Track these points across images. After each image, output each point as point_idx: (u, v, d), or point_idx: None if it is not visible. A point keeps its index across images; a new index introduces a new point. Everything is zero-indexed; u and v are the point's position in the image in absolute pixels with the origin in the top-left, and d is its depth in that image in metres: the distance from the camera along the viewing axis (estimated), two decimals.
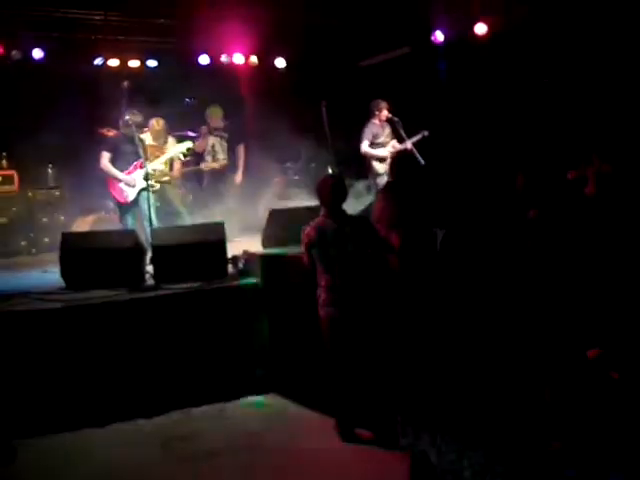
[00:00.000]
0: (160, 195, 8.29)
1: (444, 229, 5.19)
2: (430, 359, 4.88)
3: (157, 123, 8.63)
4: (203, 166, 9.46)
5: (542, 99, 8.99)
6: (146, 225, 7.51)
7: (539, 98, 9.04)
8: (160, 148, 8.56)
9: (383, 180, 9.08)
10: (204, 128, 9.48)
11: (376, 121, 9.45)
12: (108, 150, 7.90)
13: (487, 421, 4.40)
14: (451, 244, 4.90)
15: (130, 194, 7.85)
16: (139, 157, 7.81)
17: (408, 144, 9.12)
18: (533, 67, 9.18)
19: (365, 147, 9.33)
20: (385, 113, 9.40)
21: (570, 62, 8.69)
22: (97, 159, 7.93)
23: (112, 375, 5.78)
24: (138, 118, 7.90)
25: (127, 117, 7.85)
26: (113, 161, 7.88)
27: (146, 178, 7.53)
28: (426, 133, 9.41)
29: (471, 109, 9.72)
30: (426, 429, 4.52)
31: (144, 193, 7.64)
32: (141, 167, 7.80)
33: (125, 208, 7.94)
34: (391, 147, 9.35)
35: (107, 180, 8.03)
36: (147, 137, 8.51)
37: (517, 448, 4.14)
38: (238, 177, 9.57)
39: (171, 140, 8.87)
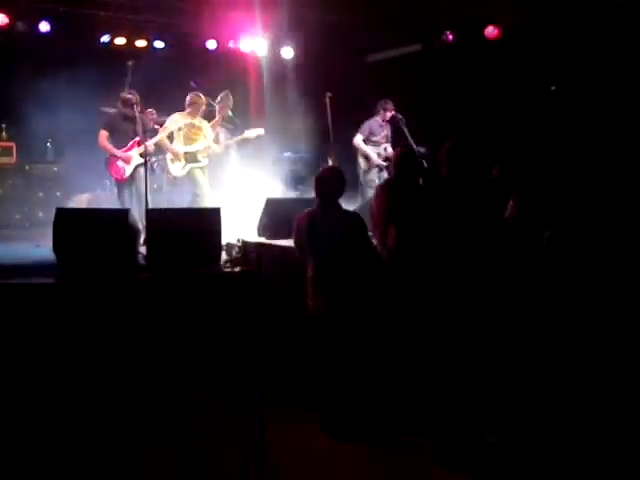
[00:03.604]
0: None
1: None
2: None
3: (199, 98, 8.37)
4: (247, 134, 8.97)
5: (549, 106, 8.95)
6: (142, 203, 7.65)
7: (546, 105, 8.99)
8: (200, 128, 8.41)
9: (368, 177, 9.08)
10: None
11: (378, 119, 9.39)
12: (106, 128, 8.13)
13: None
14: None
15: (127, 170, 8.02)
16: (137, 135, 7.98)
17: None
18: (541, 73, 9.13)
19: (357, 140, 9.27)
20: (389, 114, 9.33)
21: (578, 70, 8.65)
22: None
23: (97, 357, 5.67)
24: (136, 96, 8.04)
25: (127, 96, 8.02)
26: (111, 138, 8.09)
27: (143, 155, 7.76)
28: (422, 150, 9.09)
29: (477, 111, 9.66)
30: None
31: (141, 170, 7.91)
32: (139, 145, 7.99)
33: (122, 185, 8.10)
34: (383, 149, 9.29)
35: (107, 159, 8.16)
36: (182, 116, 8.36)
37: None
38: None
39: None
